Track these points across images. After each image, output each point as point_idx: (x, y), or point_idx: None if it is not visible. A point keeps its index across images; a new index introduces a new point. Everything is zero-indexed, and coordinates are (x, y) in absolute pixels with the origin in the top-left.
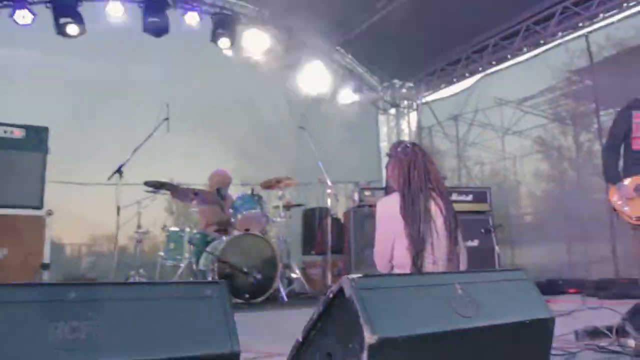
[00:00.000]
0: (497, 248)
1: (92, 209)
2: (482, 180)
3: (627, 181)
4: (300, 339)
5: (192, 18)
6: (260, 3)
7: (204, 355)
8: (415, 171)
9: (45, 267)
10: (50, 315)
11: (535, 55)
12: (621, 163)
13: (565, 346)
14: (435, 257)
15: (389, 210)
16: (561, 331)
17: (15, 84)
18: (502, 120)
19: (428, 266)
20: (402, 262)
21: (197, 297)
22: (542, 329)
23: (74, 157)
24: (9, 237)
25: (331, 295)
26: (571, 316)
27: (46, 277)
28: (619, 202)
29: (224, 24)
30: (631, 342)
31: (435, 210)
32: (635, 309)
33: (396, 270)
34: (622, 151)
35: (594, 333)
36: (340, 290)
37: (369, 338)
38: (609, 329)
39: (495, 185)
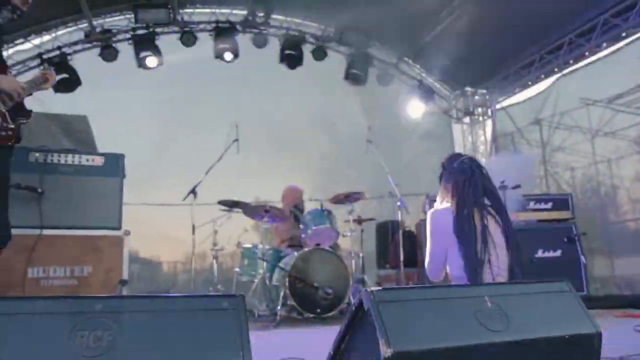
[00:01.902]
0: (582, 258)
1: (171, 228)
2: (573, 186)
3: None
4: (332, 352)
5: (259, 40)
6: (325, 21)
7: None
8: (470, 188)
9: (123, 283)
10: (77, 324)
11: (618, 49)
12: None
13: None
14: (494, 274)
15: (439, 226)
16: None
17: (99, 117)
18: (589, 121)
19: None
20: (458, 279)
21: (215, 309)
22: (585, 345)
23: (151, 180)
24: (92, 256)
25: (354, 309)
26: None
27: (125, 292)
28: None
29: (290, 44)
30: None
31: (494, 228)
32: None
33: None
34: None
35: None
36: (361, 304)
37: (385, 352)
38: None
39: (590, 190)
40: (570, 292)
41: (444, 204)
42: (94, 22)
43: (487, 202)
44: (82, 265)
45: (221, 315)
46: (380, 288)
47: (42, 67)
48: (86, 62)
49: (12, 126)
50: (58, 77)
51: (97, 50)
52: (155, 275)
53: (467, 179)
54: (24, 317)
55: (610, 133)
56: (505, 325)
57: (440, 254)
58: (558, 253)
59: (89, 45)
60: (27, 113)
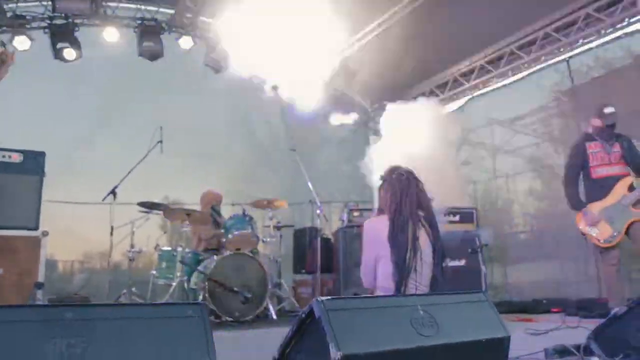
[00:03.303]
0: (483, 268)
1: (87, 228)
2: (475, 199)
3: (591, 207)
4: (277, 356)
5: (186, 42)
6: None
7: None
8: (407, 199)
9: (39, 286)
10: (49, 332)
11: (521, 78)
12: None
13: None
14: (418, 284)
15: (374, 231)
16: (535, 349)
17: (13, 109)
18: (493, 139)
19: (410, 292)
20: (385, 285)
21: (179, 317)
22: (498, 347)
23: (71, 179)
24: (5, 257)
25: (303, 316)
26: (548, 335)
27: (40, 295)
28: (587, 227)
29: (215, 47)
30: None
31: (424, 239)
32: (600, 328)
33: (379, 292)
34: (581, 180)
35: (563, 352)
36: (311, 311)
37: (334, 354)
38: (577, 347)
39: (489, 204)
40: (487, 301)
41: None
42: (5, 6)
43: (420, 213)
44: None
45: (186, 322)
46: (330, 297)
47: None
48: None
49: None
50: None
51: (6, 36)
52: (66, 276)
53: (404, 191)
54: None
55: (510, 151)
56: (435, 331)
57: (372, 259)
58: (462, 262)
59: None
60: None
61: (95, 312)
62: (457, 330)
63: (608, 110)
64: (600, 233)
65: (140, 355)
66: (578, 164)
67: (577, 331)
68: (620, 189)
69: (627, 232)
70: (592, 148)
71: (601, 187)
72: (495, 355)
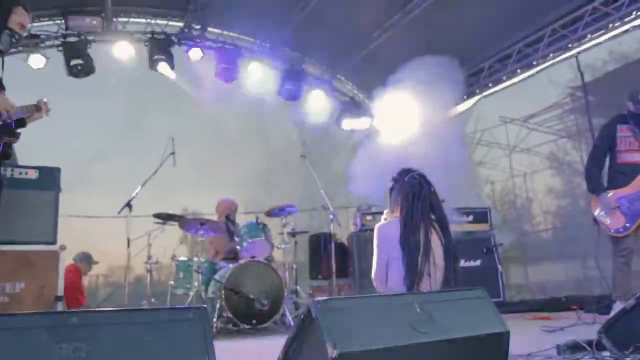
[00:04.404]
0: (499, 267)
1: (105, 241)
2: (493, 199)
3: (610, 193)
4: (281, 357)
5: (195, 53)
6: (261, 36)
7: None
8: (419, 202)
9: (59, 299)
10: (56, 337)
11: (531, 75)
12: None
13: None
14: (430, 287)
15: (385, 234)
16: (549, 346)
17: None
18: (507, 138)
19: None
20: (396, 289)
21: (180, 320)
22: (497, 342)
23: (86, 193)
24: (25, 272)
25: (302, 317)
26: (563, 332)
27: (60, 308)
28: (601, 213)
29: (226, 58)
30: (607, 355)
31: (436, 242)
32: (610, 322)
33: None
34: (607, 164)
35: (575, 347)
36: (309, 312)
37: (331, 353)
38: (589, 343)
39: (507, 203)
40: (485, 298)
41: (392, 216)
42: None
43: (432, 216)
44: (15, 282)
45: (187, 325)
46: (326, 298)
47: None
48: (13, 67)
49: None
50: None
51: (22, 56)
52: (90, 290)
53: (416, 194)
54: (6, 332)
55: (526, 149)
56: (431, 328)
57: (383, 262)
58: (478, 263)
59: (14, 50)
60: (13, 133)
61: (99, 318)
62: (455, 326)
63: None
64: (613, 222)
65: (142, 357)
66: (605, 146)
67: (593, 327)
68: None
69: None
70: (623, 132)
71: (623, 174)
72: (494, 350)
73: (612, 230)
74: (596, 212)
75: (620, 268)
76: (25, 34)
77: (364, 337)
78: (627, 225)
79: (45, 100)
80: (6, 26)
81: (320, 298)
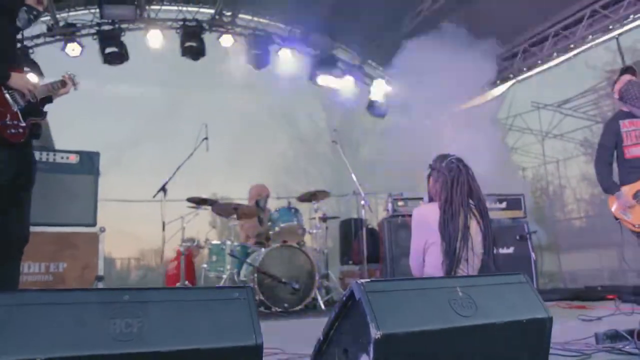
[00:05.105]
0: (532, 255)
1: (139, 225)
2: (524, 185)
3: (625, 190)
4: (322, 338)
5: (226, 40)
6: (292, 23)
7: (231, 346)
8: (458, 187)
9: (100, 279)
10: (109, 313)
11: (567, 59)
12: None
13: (584, 348)
14: (468, 274)
15: (423, 219)
16: (587, 335)
17: (69, 112)
18: (540, 124)
19: None
20: (434, 273)
21: (227, 299)
22: (539, 328)
23: (121, 178)
24: (67, 253)
25: (344, 298)
26: (601, 321)
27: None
28: (620, 211)
29: (257, 45)
30: None
31: (475, 229)
32: None
33: None
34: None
35: (615, 336)
36: (352, 294)
37: (375, 334)
38: (630, 332)
39: (539, 190)
40: (527, 283)
41: (431, 204)
42: (58, 16)
43: (471, 202)
44: (58, 262)
45: (234, 304)
46: (369, 280)
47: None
48: (49, 56)
49: (24, 124)
50: None
51: (59, 44)
52: (123, 272)
53: (455, 179)
54: (63, 307)
55: (559, 135)
56: (473, 311)
57: (421, 246)
58: (511, 250)
59: (51, 39)
60: (40, 113)
61: (149, 295)
62: (496, 311)
63: None
64: (635, 217)
65: (191, 333)
66: (609, 144)
67: (632, 317)
68: None
69: None
70: (626, 126)
71: (633, 168)
72: (535, 336)
73: (636, 226)
74: (614, 211)
75: None
76: (42, 9)
77: (406, 319)
78: None
79: (69, 73)
80: (23, 3)
81: (363, 280)
